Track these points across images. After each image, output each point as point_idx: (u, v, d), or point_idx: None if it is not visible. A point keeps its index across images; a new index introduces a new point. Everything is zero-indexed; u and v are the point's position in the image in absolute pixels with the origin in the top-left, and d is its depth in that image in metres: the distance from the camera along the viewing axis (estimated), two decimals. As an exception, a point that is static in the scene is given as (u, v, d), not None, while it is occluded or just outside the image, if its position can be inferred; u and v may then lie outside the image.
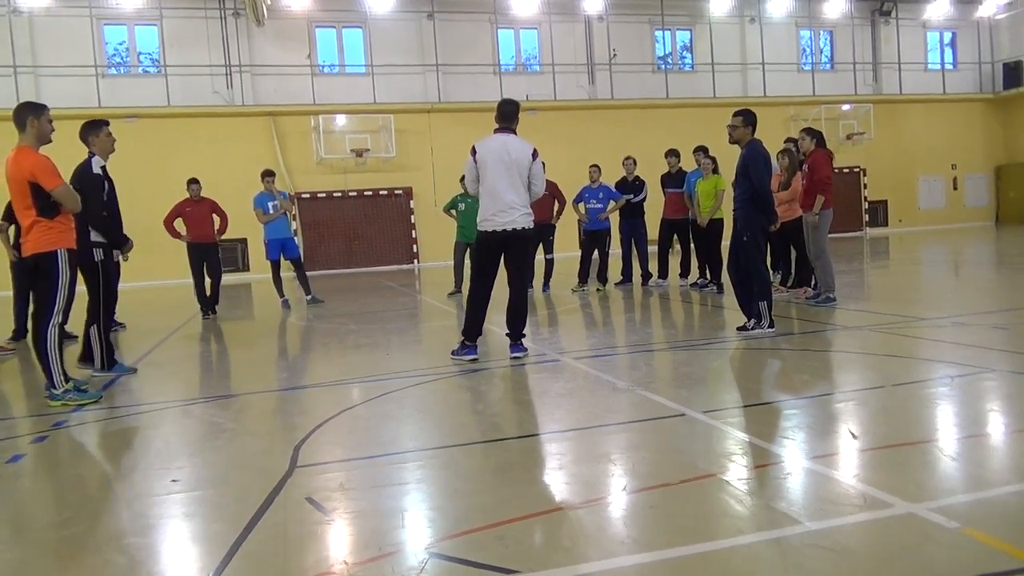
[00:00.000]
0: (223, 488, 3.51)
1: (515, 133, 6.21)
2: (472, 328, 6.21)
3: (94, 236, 6.41)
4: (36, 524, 3.25)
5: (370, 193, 22.11)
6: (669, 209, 11.44)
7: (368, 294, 14.21)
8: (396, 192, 22.30)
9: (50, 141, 5.48)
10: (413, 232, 22.43)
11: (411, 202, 22.32)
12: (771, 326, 6.71)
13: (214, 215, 11.07)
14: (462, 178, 12.61)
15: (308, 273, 12.46)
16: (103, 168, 6.48)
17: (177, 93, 20.87)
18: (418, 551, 2.67)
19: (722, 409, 4.34)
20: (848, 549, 2.49)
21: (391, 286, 15.85)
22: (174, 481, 3.62)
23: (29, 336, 6.51)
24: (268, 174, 11.49)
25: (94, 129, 6.52)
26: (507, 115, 6.20)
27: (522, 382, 5.57)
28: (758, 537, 2.61)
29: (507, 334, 6.32)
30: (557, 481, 3.36)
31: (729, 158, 12.09)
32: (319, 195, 21.41)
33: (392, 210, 22.36)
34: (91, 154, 6.50)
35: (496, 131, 6.20)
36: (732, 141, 6.93)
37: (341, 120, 21.48)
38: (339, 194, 21.80)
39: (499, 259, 6.26)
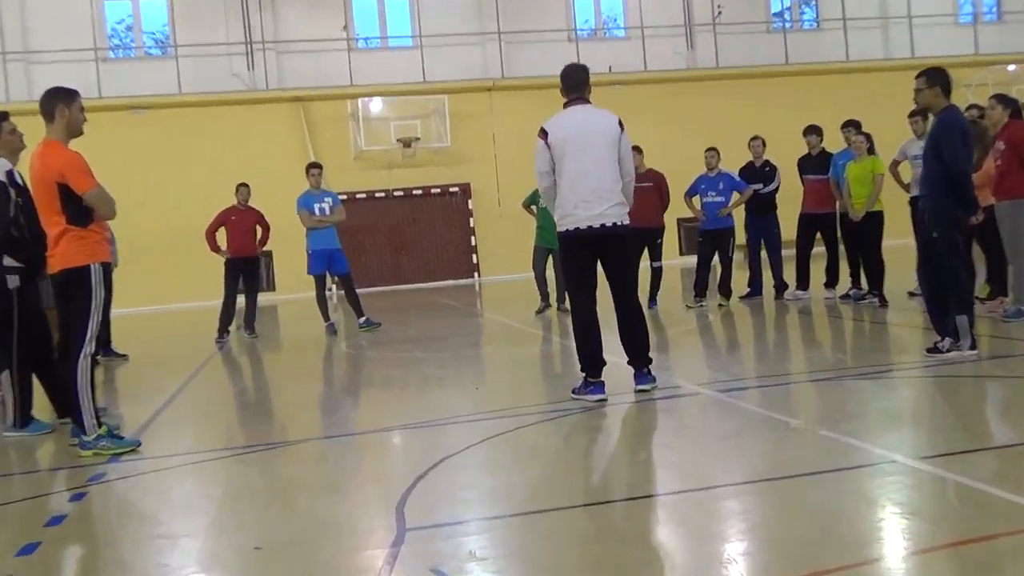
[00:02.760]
0: (326, 555, 3.45)
1: (590, 103, 6.04)
2: (592, 357, 5.95)
3: (6, 260, 6.02)
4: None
5: (420, 192, 22.27)
6: (810, 201, 11.15)
7: (427, 315, 14.26)
8: (451, 189, 22.42)
9: (81, 133, 5.60)
10: (472, 239, 22.48)
11: (469, 202, 22.40)
12: (973, 347, 6.39)
13: (258, 227, 11.58)
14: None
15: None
16: (9, 173, 6.03)
17: (189, 78, 21.42)
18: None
19: (948, 455, 4.10)
20: None
21: (452, 305, 15.90)
22: (257, 548, 3.58)
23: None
24: (314, 166, 11.75)
25: None
26: (578, 83, 6.00)
27: (664, 421, 5.44)
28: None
29: (629, 361, 6.15)
30: (769, 545, 3.21)
31: (887, 134, 11.90)
32: (358, 195, 21.56)
33: (447, 212, 22.47)
34: None
35: (566, 105, 6.01)
36: (920, 109, 6.68)
37: (384, 104, 21.76)
38: (382, 194, 22.00)
39: (595, 265, 6.05)
